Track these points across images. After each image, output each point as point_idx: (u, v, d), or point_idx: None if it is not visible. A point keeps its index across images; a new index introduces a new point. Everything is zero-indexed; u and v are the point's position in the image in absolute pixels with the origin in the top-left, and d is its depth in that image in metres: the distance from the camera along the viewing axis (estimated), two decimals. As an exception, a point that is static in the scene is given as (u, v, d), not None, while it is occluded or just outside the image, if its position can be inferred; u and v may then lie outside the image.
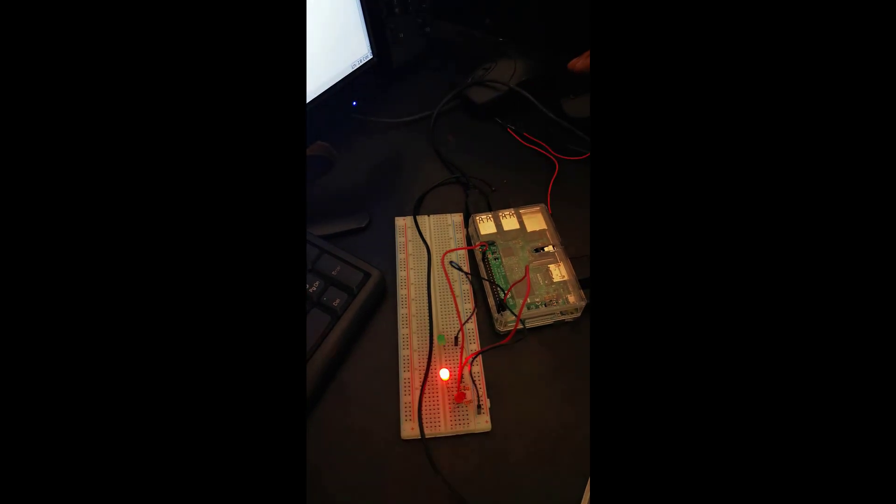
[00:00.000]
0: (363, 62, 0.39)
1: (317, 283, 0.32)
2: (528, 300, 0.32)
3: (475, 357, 0.30)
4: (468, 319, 0.32)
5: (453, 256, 0.36)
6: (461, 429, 0.29)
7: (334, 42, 0.37)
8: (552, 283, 0.33)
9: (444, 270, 0.33)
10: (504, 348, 0.32)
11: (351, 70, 0.38)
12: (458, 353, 0.31)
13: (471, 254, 0.36)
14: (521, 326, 0.31)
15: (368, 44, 0.39)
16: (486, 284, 0.34)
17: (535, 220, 0.37)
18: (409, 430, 0.28)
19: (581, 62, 0.42)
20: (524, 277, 0.33)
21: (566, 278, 0.34)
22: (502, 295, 0.32)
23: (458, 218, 0.38)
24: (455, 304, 0.33)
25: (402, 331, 0.32)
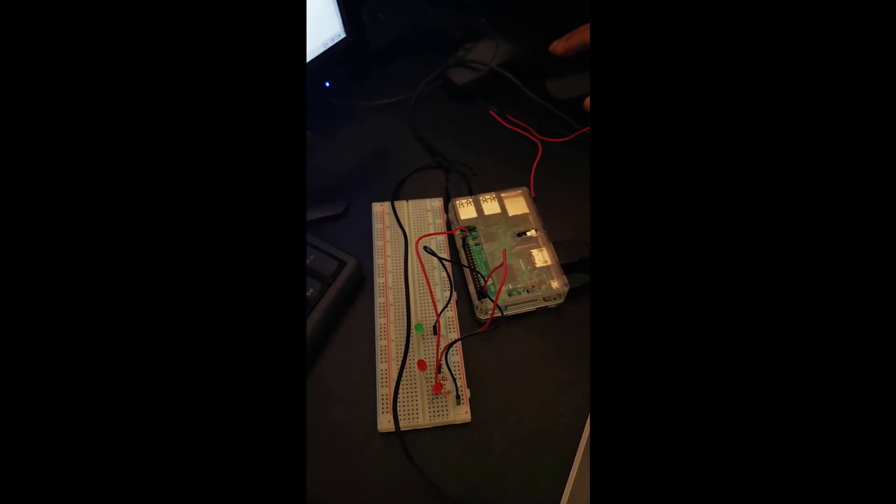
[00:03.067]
0: (335, 41, 0.38)
1: (290, 272, 0.31)
2: (511, 286, 0.31)
3: (450, 347, 0.29)
4: (445, 308, 0.31)
5: (433, 242, 0.35)
6: (440, 420, 0.28)
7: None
8: (535, 268, 0.32)
9: (418, 257, 0.32)
10: (486, 336, 0.31)
11: (323, 49, 0.37)
12: (436, 343, 0.30)
13: (451, 240, 0.35)
14: (498, 314, 0.30)
15: (341, 21, 0.37)
16: (467, 271, 0.33)
17: (518, 204, 0.36)
18: (386, 422, 0.27)
19: (562, 45, 0.41)
20: (504, 264, 0.31)
21: (549, 263, 0.33)
22: (482, 281, 0.31)
23: (437, 203, 0.37)
24: (430, 292, 0.31)
25: (380, 320, 0.31)
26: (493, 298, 0.30)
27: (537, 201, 0.36)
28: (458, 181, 0.38)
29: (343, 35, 0.38)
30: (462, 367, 0.29)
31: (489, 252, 0.33)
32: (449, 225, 0.36)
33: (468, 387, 0.29)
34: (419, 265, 0.33)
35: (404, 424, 0.27)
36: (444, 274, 0.33)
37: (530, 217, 0.35)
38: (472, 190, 0.37)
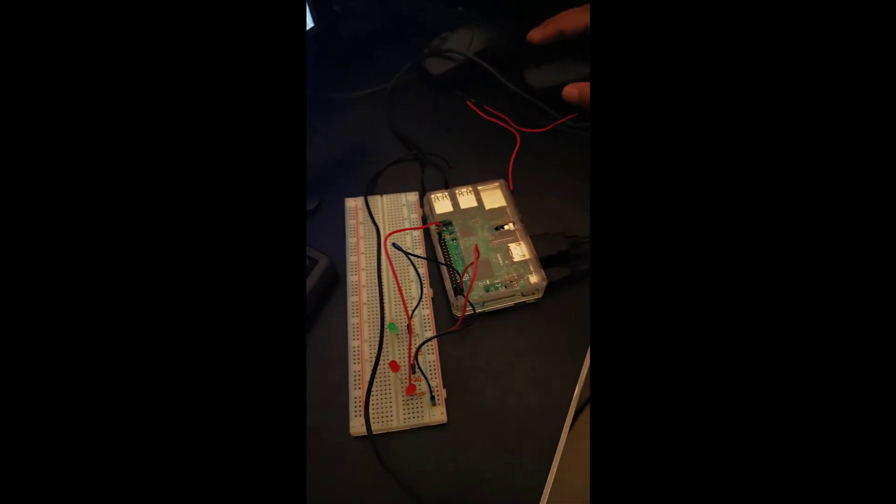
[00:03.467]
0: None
1: (258, 272, 0.30)
2: (488, 281, 0.31)
3: (420, 347, 0.28)
4: (416, 306, 0.30)
5: (408, 238, 0.34)
6: (415, 422, 0.27)
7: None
8: (512, 262, 0.31)
9: (387, 254, 0.31)
10: (463, 335, 0.30)
11: (290, 40, 0.35)
12: (408, 343, 0.29)
13: (427, 236, 0.34)
14: (470, 311, 0.29)
15: (309, 11, 0.36)
16: (443, 268, 0.32)
17: (495, 197, 0.35)
18: (359, 426, 0.26)
19: (539, 33, 0.40)
20: (475, 260, 0.31)
21: (527, 257, 0.32)
22: (458, 278, 0.30)
23: (413, 197, 0.36)
24: (399, 291, 0.30)
25: (353, 320, 0.30)
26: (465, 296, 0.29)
27: (515, 194, 0.36)
28: (435, 174, 0.37)
29: (312, 24, 0.37)
30: (438, 367, 0.28)
31: (466, 247, 0.32)
32: (425, 219, 0.35)
33: (444, 387, 0.28)
34: (396, 262, 0.32)
35: (378, 427, 0.26)
36: (423, 270, 0.32)
37: (508, 210, 0.34)
38: (448, 183, 0.36)
